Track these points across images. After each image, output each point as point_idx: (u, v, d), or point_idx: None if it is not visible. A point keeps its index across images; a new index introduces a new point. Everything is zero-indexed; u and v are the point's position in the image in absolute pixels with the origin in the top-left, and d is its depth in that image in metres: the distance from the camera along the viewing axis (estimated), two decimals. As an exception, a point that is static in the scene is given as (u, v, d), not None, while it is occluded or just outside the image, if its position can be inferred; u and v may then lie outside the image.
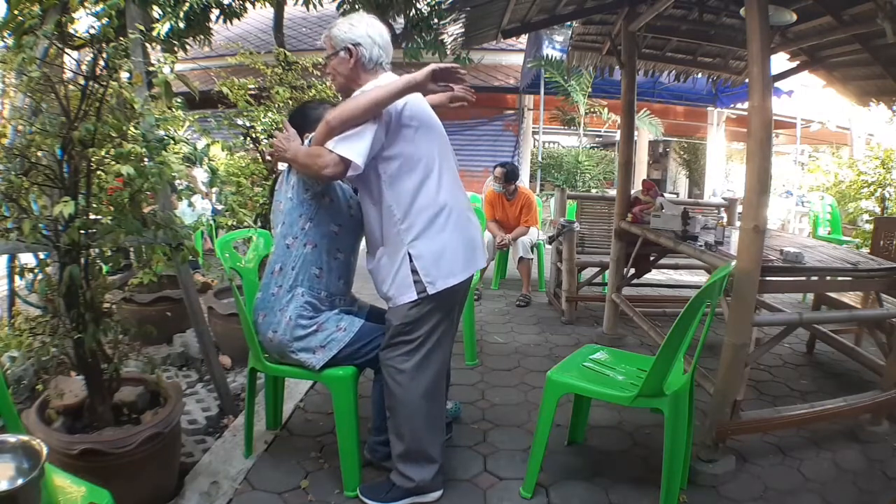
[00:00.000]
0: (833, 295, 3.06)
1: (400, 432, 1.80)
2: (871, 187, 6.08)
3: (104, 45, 1.59)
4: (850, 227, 5.93)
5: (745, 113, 2.24)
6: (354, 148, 1.60)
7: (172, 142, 1.74)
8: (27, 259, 1.88)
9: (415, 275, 1.70)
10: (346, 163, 1.60)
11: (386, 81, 1.67)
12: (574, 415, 2.22)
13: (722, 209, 4.40)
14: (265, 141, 3.09)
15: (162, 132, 1.72)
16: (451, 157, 1.83)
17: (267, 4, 7.23)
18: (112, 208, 1.69)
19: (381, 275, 1.78)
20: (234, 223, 2.50)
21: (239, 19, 7.04)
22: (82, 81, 1.60)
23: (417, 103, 1.74)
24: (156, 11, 5.46)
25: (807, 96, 7.31)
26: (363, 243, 1.92)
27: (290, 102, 3.09)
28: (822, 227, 5.60)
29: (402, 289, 1.73)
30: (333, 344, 1.82)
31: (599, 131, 10.70)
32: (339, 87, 1.83)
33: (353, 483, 1.87)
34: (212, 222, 3.88)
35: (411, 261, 1.70)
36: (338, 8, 6.75)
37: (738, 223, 3.31)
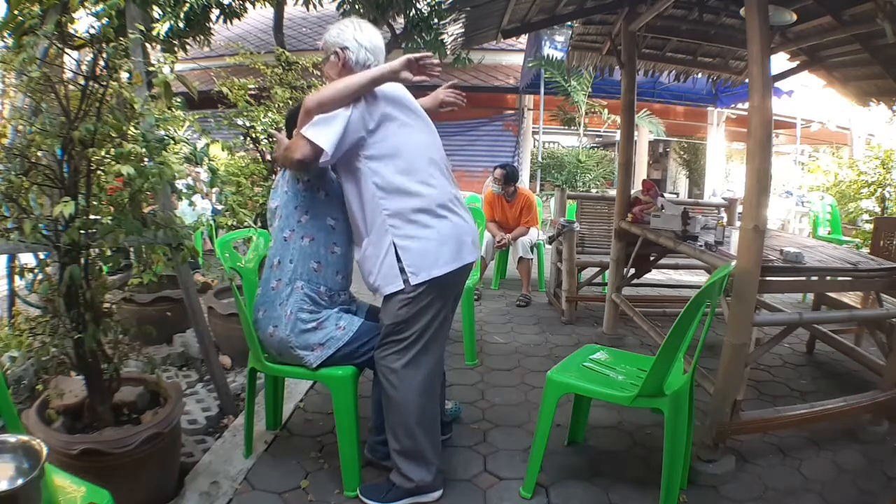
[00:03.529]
0: (833, 295, 3.06)
1: (396, 432, 1.80)
2: (871, 187, 6.09)
3: (104, 45, 1.59)
4: (850, 227, 5.93)
5: (745, 113, 2.24)
6: (323, 133, 1.63)
7: (172, 142, 1.74)
8: (27, 259, 1.88)
9: (400, 265, 1.72)
10: (314, 147, 1.63)
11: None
12: (574, 415, 2.22)
13: (722, 209, 4.40)
14: (265, 141, 3.09)
15: (162, 132, 1.72)
16: (439, 150, 1.84)
17: (267, 4, 7.24)
18: (112, 208, 1.69)
19: (368, 266, 1.79)
20: (234, 223, 2.50)
21: (239, 19, 7.05)
22: (82, 81, 1.60)
23: (403, 97, 1.77)
24: (156, 11, 5.46)
25: (807, 96, 7.31)
26: None
27: (290, 102, 3.09)
28: (822, 227, 5.60)
29: (388, 279, 1.74)
30: (332, 342, 1.83)
31: (599, 131, 10.70)
32: None
33: (354, 483, 1.87)
34: (212, 222, 3.88)
35: (396, 251, 1.71)
36: (338, 8, 6.75)
37: (738, 223, 3.31)
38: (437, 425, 1.89)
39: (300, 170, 1.77)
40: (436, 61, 1.73)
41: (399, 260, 1.71)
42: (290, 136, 1.86)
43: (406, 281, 1.72)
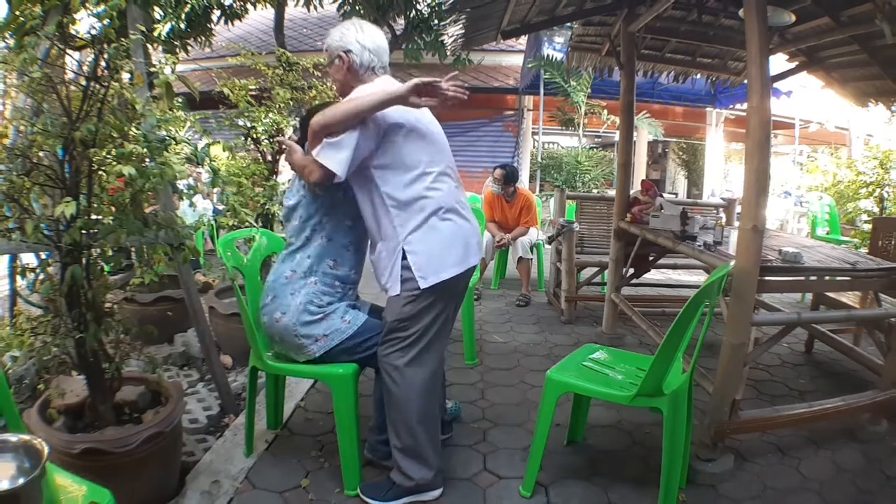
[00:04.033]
0: (831, 295, 3.06)
1: (397, 430, 1.81)
2: (870, 187, 6.10)
3: (105, 45, 1.59)
4: (849, 228, 5.93)
5: (744, 113, 2.25)
6: (334, 158, 1.67)
7: (174, 142, 1.74)
8: (29, 259, 1.89)
9: (407, 270, 1.74)
10: (326, 172, 1.68)
11: (381, 85, 1.74)
12: (573, 414, 2.23)
13: (720, 209, 4.40)
14: (266, 141, 3.10)
15: (163, 133, 1.73)
16: (447, 156, 1.86)
17: (267, 5, 7.24)
18: (113, 208, 1.69)
19: (381, 267, 1.82)
20: (236, 223, 2.51)
21: (240, 20, 7.05)
22: (84, 82, 1.61)
23: (407, 108, 1.77)
24: (157, 12, 5.46)
25: (805, 97, 7.31)
26: None
27: (291, 103, 3.09)
28: (821, 227, 5.61)
29: (399, 280, 1.76)
30: (336, 335, 1.85)
31: (599, 132, 10.72)
32: (338, 92, 1.90)
33: (354, 482, 1.88)
34: (213, 222, 3.88)
35: (405, 256, 1.73)
36: (338, 9, 6.76)
37: (736, 223, 3.32)
38: (438, 424, 1.91)
39: (317, 188, 1.83)
40: (445, 86, 1.71)
41: (407, 266, 1.74)
42: (301, 140, 1.87)
43: (414, 286, 1.74)
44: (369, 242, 1.94)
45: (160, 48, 5.43)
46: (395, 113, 1.72)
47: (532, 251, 4.70)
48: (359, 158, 1.69)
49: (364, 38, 1.79)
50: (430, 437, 1.82)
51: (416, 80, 1.67)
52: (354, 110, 1.66)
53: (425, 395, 1.80)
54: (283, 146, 1.89)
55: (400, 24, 7.09)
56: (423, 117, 1.83)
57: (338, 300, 1.89)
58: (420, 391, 1.79)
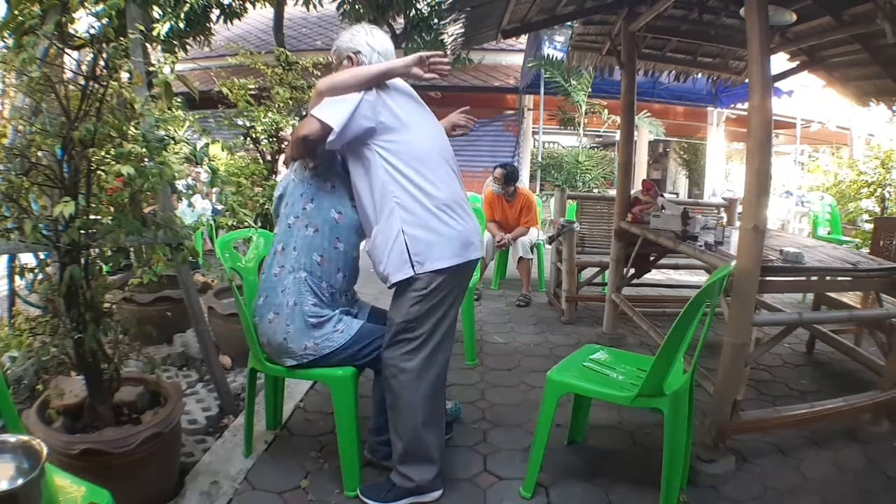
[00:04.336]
0: (833, 295, 3.06)
1: (400, 432, 1.80)
2: (871, 187, 6.09)
3: (104, 45, 1.59)
4: (850, 227, 5.93)
5: (745, 113, 2.25)
6: (332, 111, 1.68)
7: (172, 142, 1.74)
8: (27, 259, 1.88)
9: (405, 260, 1.74)
10: (322, 125, 1.67)
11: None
12: (574, 414, 2.22)
13: (722, 209, 4.40)
14: (265, 141, 3.09)
15: (162, 132, 1.72)
16: (449, 150, 1.88)
17: (267, 4, 7.24)
18: (112, 208, 1.69)
19: (377, 254, 1.81)
20: (235, 223, 2.50)
21: (239, 19, 7.06)
22: (82, 81, 1.60)
23: (414, 96, 1.82)
24: (156, 11, 5.46)
25: (807, 96, 7.31)
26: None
27: (290, 102, 3.08)
28: (822, 227, 5.60)
29: (398, 266, 1.75)
30: (326, 345, 1.82)
31: (599, 131, 10.71)
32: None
33: (354, 483, 1.87)
34: (212, 222, 3.87)
35: (406, 240, 1.73)
36: (338, 8, 6.76)
37: (737, 223, 3.31)
38: (443, 425, 1.90)
39: (305, 149, 1.78)
40: (446, 61, 1.77)
41: (407, 249, 1.73)
42: None
43: (413, 268, 1.73)
44: (362, 242, 1.93)
45: (159, 47, 5.43)
46: (404, 99, 1.77)
47: (532, 251, 4.70)
48: (358, 125, 1.69)
49: (374, 40, 1.83)
50: (434, 438, 1.82)
51: (420, 53, 1.73)
52: (361, 76, 1.70)
53: (431, 397, 1.80)
54: (283, 144, 1.90)
55: (400, 23, 7.10)
56: (427, 111, 1.87)
57: (328, 306, 1.85)
58: (427, 393, 1.78)
